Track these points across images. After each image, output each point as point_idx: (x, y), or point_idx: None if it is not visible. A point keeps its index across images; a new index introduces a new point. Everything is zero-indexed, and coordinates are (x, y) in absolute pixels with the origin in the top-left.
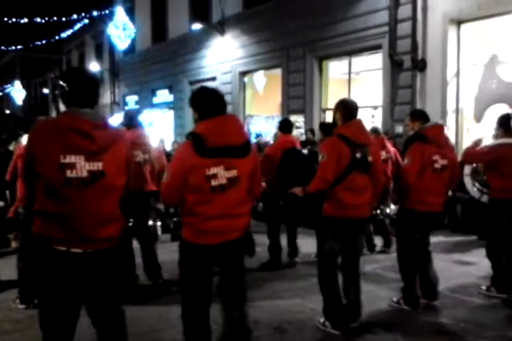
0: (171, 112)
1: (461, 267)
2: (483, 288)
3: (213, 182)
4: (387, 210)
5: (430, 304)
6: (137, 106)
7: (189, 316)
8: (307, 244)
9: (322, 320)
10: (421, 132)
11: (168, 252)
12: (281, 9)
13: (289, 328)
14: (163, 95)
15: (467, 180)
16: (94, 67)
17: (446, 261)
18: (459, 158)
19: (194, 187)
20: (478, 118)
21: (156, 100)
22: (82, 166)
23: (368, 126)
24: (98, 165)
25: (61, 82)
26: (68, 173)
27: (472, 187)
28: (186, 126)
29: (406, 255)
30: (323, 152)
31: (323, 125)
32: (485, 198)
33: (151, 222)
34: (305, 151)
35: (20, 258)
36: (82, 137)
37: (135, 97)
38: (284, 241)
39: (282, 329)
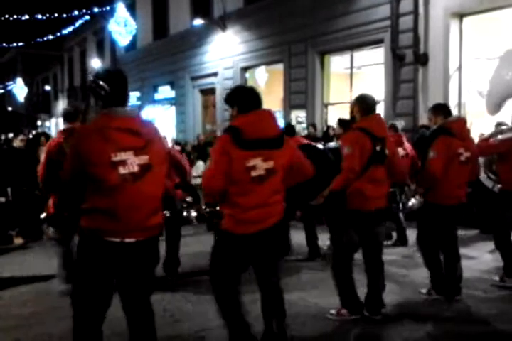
0: (173, 108)
1: (463, 261)
2: (496, 279)
3: (253, 173)
4: (410, 204)
5: (455, 298)
6: (139, 103)
7: (223, 300)
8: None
9: (334, 311)
10: (445, 126)
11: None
12: (283, 4)
13: (293, 322)
14: (165, 91)
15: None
16: (95, 63)
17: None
18: None
19: (235, 178)
20: (493, 111)
21: (157, 96)
22: (132, 161)
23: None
24: (145, 159)
25: (101, 83)
26: (121, 170)
27: (485, 177)
28: (188, 121)
29: (430, 247)
30: (346, 145)
31: (342, 121)
32: (497, 188)
33: (185, 213)
34: (320, 145)
35: (61, 243)
36: (132, 135)
37: (137, 93)
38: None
39: (286, 324)
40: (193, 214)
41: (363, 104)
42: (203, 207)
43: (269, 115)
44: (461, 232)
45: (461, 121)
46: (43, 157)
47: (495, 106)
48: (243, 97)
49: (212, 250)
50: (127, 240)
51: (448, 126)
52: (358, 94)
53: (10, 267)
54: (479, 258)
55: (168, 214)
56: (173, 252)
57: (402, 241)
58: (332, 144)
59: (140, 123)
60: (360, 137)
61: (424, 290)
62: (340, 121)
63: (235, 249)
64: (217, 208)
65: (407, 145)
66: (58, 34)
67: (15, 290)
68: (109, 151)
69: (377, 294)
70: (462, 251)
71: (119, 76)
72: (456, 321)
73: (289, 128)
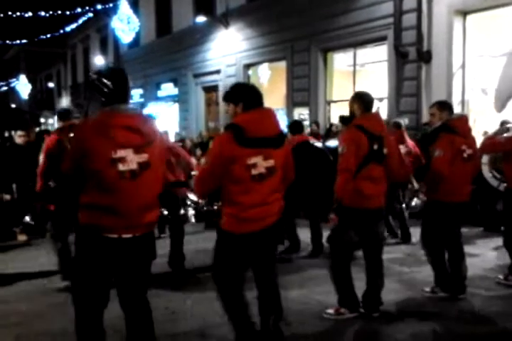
0: (176, 105)
1: (467, 259)
2: (501, 277)
3: (253, 171)
4: (413, 203)
5: (458, 297)
6: (142, 100)
7: (227, 298)
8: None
9: (331, 310)
10: (449, 123)
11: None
12: (286, 1)
13: (295, 320)
14: (168, 88)
15: (485, 169)
16: (98, 60)
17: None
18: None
19: (235, 176)
20: (500, 108)
21: (160, 93)
22: (131, 159)
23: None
24: (145, 157)
25: (105, 81)
26: (120, 167)
27: (490, 176)
28: (191, 119)
29: (434, 245)
30: (342, 144)
31: (344, 118)
32: (502, 187)
33: (182, 211)
34: (318, 144)
35: (56, 239)
36: (133, 132)
37: (140, 91)
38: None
39: (288, 321)
40: (191, 212)
41: (364, 101)
42: (202, 206)
43: (271, 113)
44: (464, 230)
45: (464, 118)
46: (42, 155)
47: (502, 103)
48: (249, 94)
49: (214, 249)
50: (124, 236)
51: (451, 123)
52: (355, 92)
53: (13, 264)
54: (483, 256)
55: (165, 212)
56: (177, 248)
57: (405, 239)
58: (331, 142)
59: (141, 121)
60: (356, 135)
61: (427, 289)
62: (342, 118)
63: (236, 248)
64: (215, 207)
65: (410, 142)
66: (61, 31)
67: (18, 286)
68: (110, 148)
69: (375, 292)
70: (466, 248)
71: (121, 74)
72: (460, 320)
73: (296, 125)
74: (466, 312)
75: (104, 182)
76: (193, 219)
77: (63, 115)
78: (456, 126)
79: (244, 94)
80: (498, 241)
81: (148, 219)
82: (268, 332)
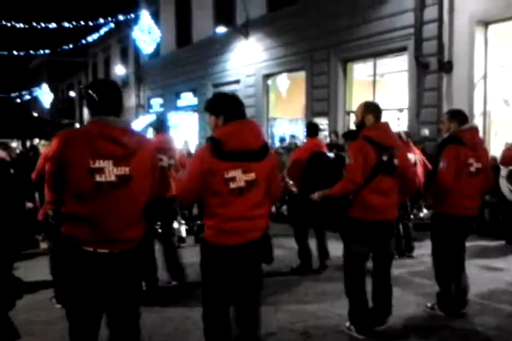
0: (196, 115)
1: (489, 273)
2: None
3: (232, 185)
4: (421, 214)
5: (459, 311)
6: (162, 109)
7: (210, 316)
8: (337, 248)
9: (348, 324)
10: (457, 134)
11: (193, 255)
12: (306, 12)
13: (315, 333)
14: (188, 98)
15: (503, 183)
16: (119, 70)
17: (474, 266)
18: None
19: (213, 190)
20: None
21: (180, 103)
22: (110, 170)
23: (394, 129)
24: (125, 170)
25: (91, 92)
26: (97, 178)
27: (508, 190)
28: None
29: (442, 260)
30: (350, 154)
31: (347, 134)
32: None
33: (176, 225)
34: (331, 155)
35: (52, 259)
36: (113, 143)
37: (160, 100)
38: (313, 244)
39: (308, 335)
40: (184, 226)
41: (376, 112)
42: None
43: (253, 126)
44: (484, 243)
45: (474, 130)
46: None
47: None
48: (230, 106)
49: (200, 264)
50: (100, 250)
51: (459, 134)
52: (363, 102)
53: (35, 271)
54: (506, 270)
55: (160, 230)
56: (172, 259)
57: (408, 249)
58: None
59: (126, 134)
60: (364, 147)
61: (429, 304)
62: (345, 134)
63: (216, 260)
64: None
65: (417, 151)
66: (83, 41)
67: (40, 294)
68: (89, 157)
69: (384, 304)
70: (488, 262)
71: (108, 86)
72: (479, 335)
73: (312, 128)
74: (490, 328)
75: (81, 192)
76: (184, 234)
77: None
78: (465, 138)
79: (225, 106)
80: None
81: (128, 235)
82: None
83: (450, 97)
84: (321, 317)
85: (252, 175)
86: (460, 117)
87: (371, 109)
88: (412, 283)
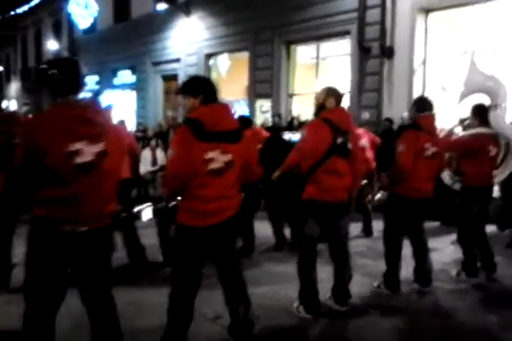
0: (133, 93)
1: None
2: (454, 273)
3: (211, 166)
4: (376, 197)
5: (421, 289)
6: (97, 87)
7: (179, 296)
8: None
9: (296, 304)
10: (415, 120)
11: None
12: None
13: (263, 315)
14: (125, 76)
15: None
16: (52, 45)
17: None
18: None
19: (193, 171)
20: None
21: (117, 81)
22: (87, 150)
23: None
24: (100, 147)
25: (54, 71)
26: (77, 159)
27: (447, 176)
28: (149, 107)
29: (392, 240)
30: (305, 131)
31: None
32: (457, 186)
33: (136, 209)
34: (287, 137)
35: None
36: (89, 124)
37: (95, 77)
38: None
39: (255, 316)
40: (149, 208)
41: (338, 97)
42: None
43: (227, 108)
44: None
45: (430, 116)
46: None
47: (461, 98)
48: (209, 87)
49: (173, 246)
50: (80, 229)
51: (417, 120)
52: (326, 86)
53: None
54: (441, 250)
55: (124, 214)
56: (133, 242)
57: (367, 232)
58: (295, 136)
59: (95, 112)
60: (320, 126)
61: (375, 284)
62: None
63: (191, 242)
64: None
65: (366, 136)
66: (12, 13)
67: None
68: (65, 141)
69: (343, 285)
70: None
71: (70, 64)
72: (422, 313)
73: (244, 121)
74: (430, 306)
75: (61, 176)
76: (150, 215)
77: None
78: (422, 124)
79: (204, 87)
80: (455, 235)
81: (108, 209)
82: (238, 322)
83: (391, 82)
84: (268, 299)
85: (229, 156)
86: (419, 104)
87: (334, 93)
88: (355, 264)
